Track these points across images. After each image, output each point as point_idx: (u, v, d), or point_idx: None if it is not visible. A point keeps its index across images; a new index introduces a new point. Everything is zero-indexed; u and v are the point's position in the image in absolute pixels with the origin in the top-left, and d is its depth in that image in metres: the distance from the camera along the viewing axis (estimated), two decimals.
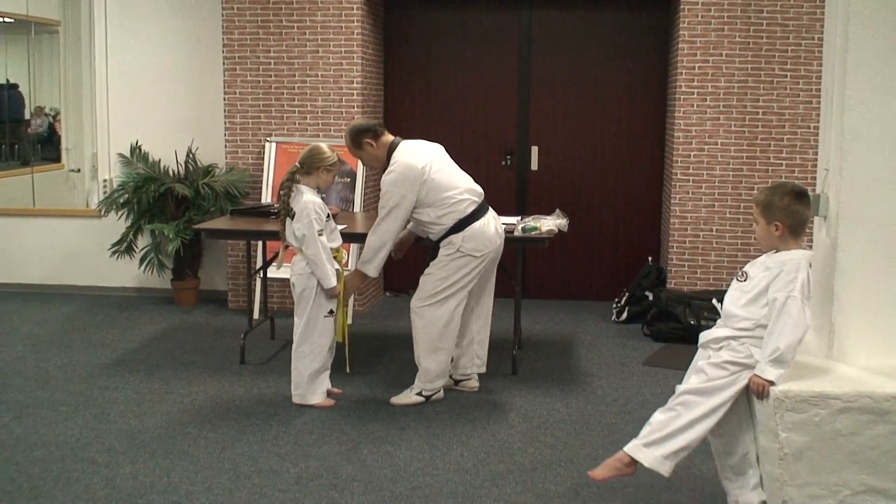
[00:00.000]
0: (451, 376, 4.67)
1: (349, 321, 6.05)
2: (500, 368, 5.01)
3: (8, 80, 8.21)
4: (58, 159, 8.28)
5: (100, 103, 6.94)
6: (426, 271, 4.49)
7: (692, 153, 6.09)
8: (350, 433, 4.14)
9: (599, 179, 6.79)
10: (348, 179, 6.29)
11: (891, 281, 3.09)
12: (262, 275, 5.73)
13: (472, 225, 4.41)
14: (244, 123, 6.42)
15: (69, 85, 8.01)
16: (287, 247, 4.52)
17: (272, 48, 6.32)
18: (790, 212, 3.02)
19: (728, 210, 6.11)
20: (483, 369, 4.74)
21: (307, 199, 4.33)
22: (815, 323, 3.27)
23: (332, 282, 4.36)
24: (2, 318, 6.30)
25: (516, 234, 4.78)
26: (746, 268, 3.13)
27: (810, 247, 3.40)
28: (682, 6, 5.98)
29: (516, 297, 5.17)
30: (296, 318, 4.47)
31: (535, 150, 6.81)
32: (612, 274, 6.82)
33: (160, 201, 6.49)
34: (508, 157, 6.83)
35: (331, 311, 4.46)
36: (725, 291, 3.19)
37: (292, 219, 4.35)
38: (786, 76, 5.96)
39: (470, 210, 4.43)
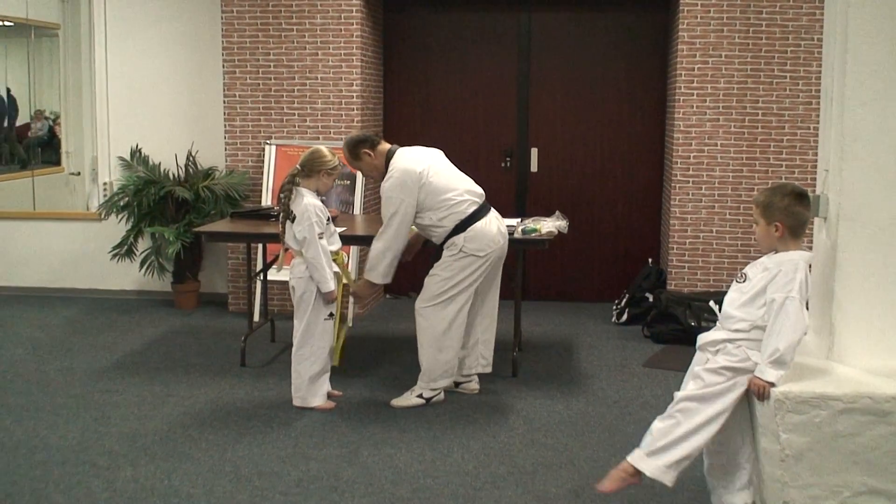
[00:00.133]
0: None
1: (349, 323, 6.06)
2: (501, 370, 5.01)
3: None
4: (58, 163, 8.29)
5: (100, 106, 6.95)
6: (430, 272, 4.50)
7: (692, 154, 6.09)
8: (350, 435, 4.14)
9: (599, 181, 6.79)
10: (348, 182, 6.29)
11: (891, 281, 3.09)
12: (262, 277, 5.73)
13: (474, 225, 4.42)
14: (244, 126, 6.43)
15: (69, 88, 8.02)
16: (287, 249, 4.52)
17: (272, 51, 6.32)
18: (790, 213, 3.02)
19: (728, 211, 6.11)
20: (489, 369, 4.74)
21: (308, 201, 4.33)
22: (816, 324, 3.26)
23: (331, 286, 4.36)
24: (2, 322, 6.30)
25: (516, 235, 4.79)
26: (746, 269, 3.13)
27: (810, 248, 3.40)
28: (681, 7, 5.98)
29: (516, 299, 5.17)
30: (295, 321, 4.47)
31: (534, 151, 6.81)
32: (612, 275, 6.82)
33: (160, 204, 6.49)
34: (508, 158, 6.83)
35: (331, 314, 4.46)
36: (725, 293, 3.19)
37: (292, 221, 4.35)
38: (785, 77, 5.96)
39: (471, 211, 4.43)
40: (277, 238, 4.55)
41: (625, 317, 6.20)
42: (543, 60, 6.74)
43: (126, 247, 6.58)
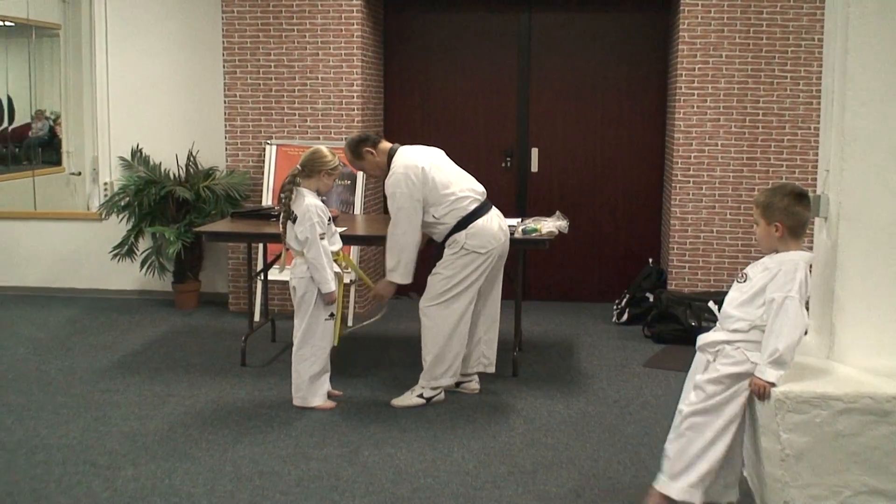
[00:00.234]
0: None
1: (350, 323, 6.06)
2: (501, 370, 5.01)
3: None
4: (59, 163, 8.29)
5: (100, 106, 6.95)
6: (433, 272, 4.51)
7: (692, 154, 6.09)
8: (351, 435, 4.14)
9: (599, 181, 6.79)
10: (348, 182, 6.29)
11: (891, 281, 3.09)
12: (262, 277, 5.73)
13: (476, 222, 4.43)
14: (244, 126, 6.43)
15: (70, 88, 8.03)
16: (288, 249, 4.52)
17: (272, 51, 6.32)
18: (790, 213, 3.02)
19: (728, 211, 6.11)
20: (491, 369, 4.75)
21: (309, 202, 4.33)
22: (816, 323, 3.27)
23: (331, 287, 4.36)
24: (3, 322, 6.30)
25: (517, 235, 4.79)
26: (747, 269, 3.14)
27: (811, 248, 3.40)
28: (681, 7, 5.98)
29: (517, 299, 5.18)
30: (296, 321, 4.48)
31: (534, 151, 6.81)
32: (612, 275, 6.82)
33: (161, 204, 6.49)
34: (508, 158, 6.83)
35: (331, 315, 4.46)
36: (726, 293, 3.19)
37: (294, 222, 4.35)
38: (786, 77, 5.96)
39: (472, 208, 4.44)
40: (278, 238, 4.55)
41: (625, 317, 6.20)
42: (544, 60, 6.74)
43: (127, 247, 6.59)
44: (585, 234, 6.75)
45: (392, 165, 4.44)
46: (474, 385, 4.74)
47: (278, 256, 5.62)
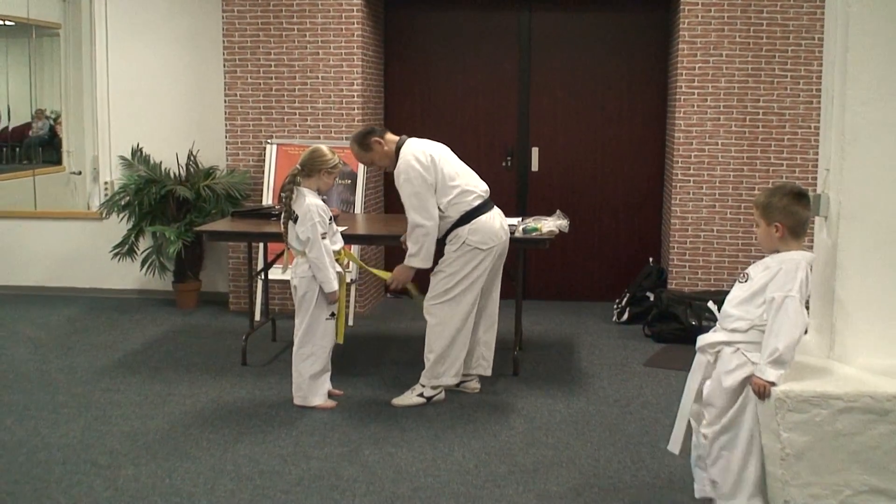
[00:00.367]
0: None
1: (350, 322, 6.06)
2: (502, 369, 5.01)
3: None
4: (59, 162, 8.30)
5: (101, 106, 6.95)
6: (435, 270, 4.51)
7: (692, 154, 6.09)
8: (351, 434, 4.14)
9: (600, 180, 6.80)
10: (349, 181, 6.30)
11: (891, 281, 3.09)
12: (263, 276, 5.73)
13: (479, 218, 4.44)
14: (245, 125, 6.43)
15: (70, 87, 8.03)
16: (289, 248, 4.52)
17: (273, 50, 6.32)
18: (789, 212, 3.02)
19: (729, 210, 6.11)
20: (489, 372, 4.74)
21: (310, 201, 4.33)
22: (816, 323, 3.27)
23: (334, 286, 4.36)
24: (3, 321, 6.30)
25: (517, 235, 4.79)
26: (749, 269, 3.13)
27: (811, 248, 3.40)
28: (682, 6, 5.98)
29: (517, 298, 5.18)
30: (297, 320, 4.48)
31: (535, 151, 6.81)
32: (612, 275, 6.82)
33: (161, 203, 6.49)
34: (509, 158, 6.83)
35: (332, 314, 4.46)
36: (726, 292, 3.19)
37: (294, 222, 4.35)
38: (786, 76, 5.97)
39: (476, 203, 4.46)
40: (278, 237, 4.55)
41: (625, 316, 6.20)
42: (544, 59, 6.74)
43: (127, 246, 6.59)
44: (586, 234, 6.75)
45: (401, 154, 4.44)
46: (475, 384, 4.75)
47: (279, 255, 5.63)
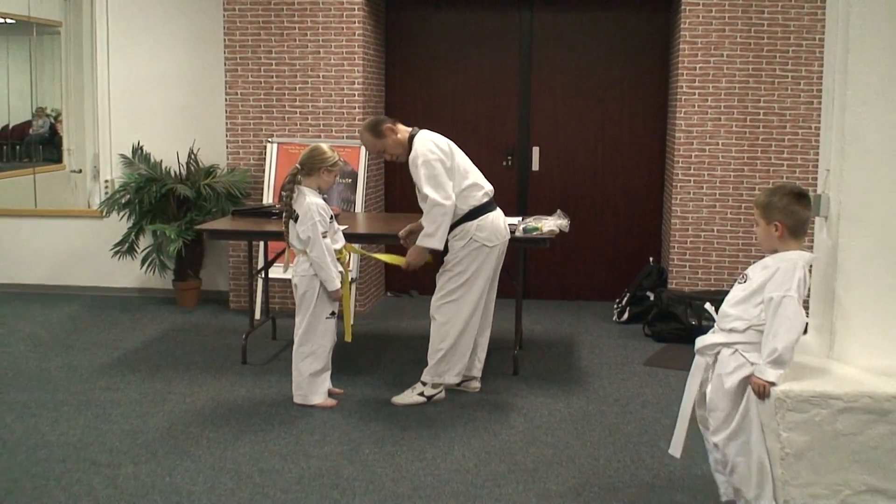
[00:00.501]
0: None
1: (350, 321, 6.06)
2: (502, 369, 5.02)
3: None
4: (59, 160, 8.30)
5: (101, 104, 6.96)
6: (441, 270, 4.51)
7: (693, 153, 6.10)
8: (351, 433, 4.15)
9: (600, 180, 6.80)
10: (349, 180, 6.30)
11: (891, 281, 3.09)
12: (263, 275, 5.73)
13: (487, 215, 4.47)
14: (245, 124, 6.43)
15: (71, 85, 8.04)
16: (290, 247, 4.52)
17: (273, 49, 6.32)
18: (789, 212, 3.02)
19: (729, 210, 6.11)
20: (479, 374, 4.75)
21: (310, 200, 4.33)
22: (816, 323, 3.27)
23: (336, 284, 4.37)
24: (4, 319, 6.30)
25: (518, 234, 4.79)
26: (748, 270, 3.13)
27: (811, 249, 3.40)
28: (682, 6, 5.99)
29: (517, 298, 5.18)
30: (297, 319, 4.48)
31: (535, 150, 6.81)
32: (612, 274, 6.83)
33: (162, 202, 6.50)
34: (509, 157, 6.83)
35: (332, 313, 4.46)
36: (726, 292, 3.19)
37: (295, 221, 4.35)
38: (787, 76, 5.97)
39: (484, 200, 4.48)
40: (279, 236, 4.55)
41: (626, 315, 6.20)
42: (545, 59, 6.74)
43: (127, 244, 6.59)
44: (586, 233, 6.75)
45: (418, 140, 4.44)
46: (475, 384, 4.75)
47: (279, 254, 5.64)
